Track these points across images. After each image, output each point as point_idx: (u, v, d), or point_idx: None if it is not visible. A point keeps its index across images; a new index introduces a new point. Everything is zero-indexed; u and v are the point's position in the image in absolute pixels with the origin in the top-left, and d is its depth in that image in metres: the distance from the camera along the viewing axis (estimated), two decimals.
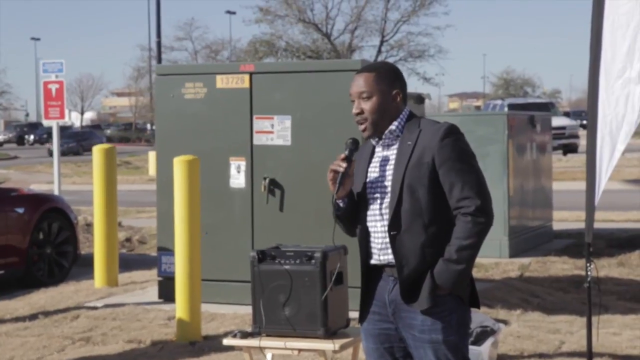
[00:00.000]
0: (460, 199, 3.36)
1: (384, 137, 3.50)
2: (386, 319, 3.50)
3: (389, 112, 3.48)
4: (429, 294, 3.37)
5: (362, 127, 3.50)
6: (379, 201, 3.46)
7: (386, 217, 3.43)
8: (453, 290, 3.39)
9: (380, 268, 3.50)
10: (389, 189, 3.43)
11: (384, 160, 3.49)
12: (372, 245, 3.49)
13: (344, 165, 3.47)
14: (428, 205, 3.38)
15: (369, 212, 3.49)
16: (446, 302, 3.40)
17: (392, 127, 3.49)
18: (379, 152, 3.52)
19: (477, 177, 3.40)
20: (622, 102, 4.77)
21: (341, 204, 3.53)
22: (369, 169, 3.52)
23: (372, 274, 3.53)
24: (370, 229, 3.49)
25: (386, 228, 3.43)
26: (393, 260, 3.44)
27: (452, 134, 3.41)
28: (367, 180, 3.50)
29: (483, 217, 3.36)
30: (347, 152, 3.51)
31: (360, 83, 3.50)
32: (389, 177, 3.44)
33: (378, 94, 3.47)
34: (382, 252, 3.47)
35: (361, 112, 3.48)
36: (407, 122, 3.49)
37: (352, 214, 3.54)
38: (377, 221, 3.47)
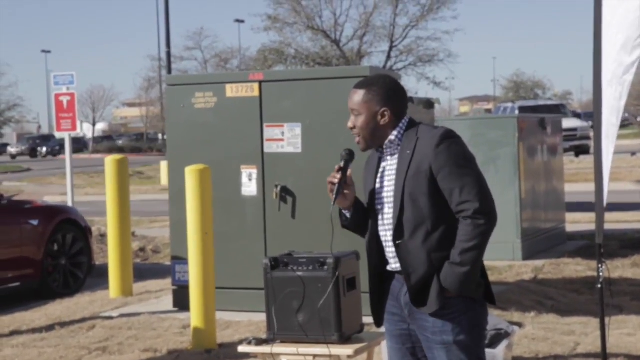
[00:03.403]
0: (459, 203, 3.40)
1: (385, 147, 3.57)
2: (405, 319, 3.58)
3: (378, 129, 3.54)
4: (437, 297, 3.42)
5: (356, 140, 3.61)
6: (384, 211, 3.54)
7: (390, 226, 3.49)
8: (460, 292, 3.43)
9: (393, 272, 3.58)
10: (392, 199, 3.50)
11: (387, 171, 3.56)
12: (386, 253, 3.58)
13: (339, 176, 3.57)
14: (430, 212, 3.43)
15: (379, 222, 3.57)
16: (456, 304, 3.45)
17: (392, 137, 3.55)
18: (383, 162, 3.60)
19: (476, 180, 3.42)
20: (606, 104, 4.83)
21: (347, 214, 3.63)
22: (376, 180, 3.58)
23: (386, 277, 3.61)
24: (382, 238, 3.57)
25: (392, 237, 3.50)
26: None
27: (447, 139, 3.43)
28: (375, 190, 3.57)
29: (483, 218, 3.38)
30: (342, 164, 3.61)
31: (352, 99, 3.59)
32: (391, 187, 3.51)
33: (366, 112, 3.55)
34: (394, 260, 3.55)
35: (354, 127, 3.59)
36: (406, 131, 3.53)
37: (360, 224, 3.64)
38: (386, 230, 3.55)
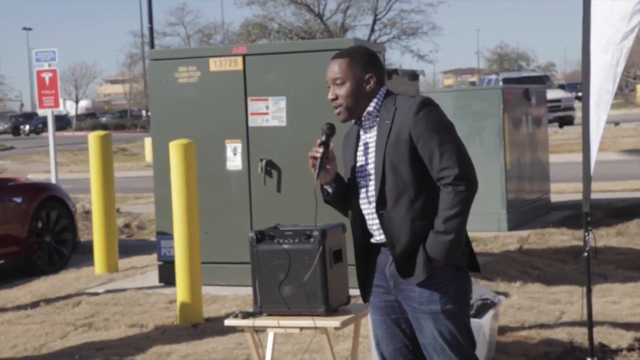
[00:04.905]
0: (440, 170, 3.40)
1: (363, 119, 3.56)
2: (389, 291, 3.57)
3: (363, 96, 3.53)
4: (423, 267, 3.42)
5: (337, 111, 3.56)
6: (366, 183, 3.53)
7: (373, 198, 3.48)
8: (447, 261, 3.43)
9: (378, 245, 3.57)
10: (373, 170, 3.49)
11: (367, 143, 3.55)
12: (368, 226, 3.57)
13: (321, 150, 3.54)
14: (412, 180, 3.42)
15: (360, 195, 3.56)
16: (442, 273, 3.45)
17: (370, 108, 3.54)
18: (362, 135, 3.58)
19: (455, 146, 3.41)
20: (601, 71, 4.81)
21: (329, 190, 3.62)
22: (357, 154, 3.57)
23: (370, 251, 3.60)
24: (364, 211, 3.56)
25: (374, 209, 3.48)
26: None
27: (425, 106, 3.43)
28: (356, 164, 3.56)
29: (463, 184, 3.38)
30: (323, 138, 3.58)
31: (334, 69, 3.55)
32: (372, 159, 3.50)
33: (351, 79, 3.52)
34: (378, 232, 3.54)
35: (336, 98, 3.55)
36: (384, 101, 3.53)
37: (341, 199, 3.63)
38: (368, 203, 3.54)
